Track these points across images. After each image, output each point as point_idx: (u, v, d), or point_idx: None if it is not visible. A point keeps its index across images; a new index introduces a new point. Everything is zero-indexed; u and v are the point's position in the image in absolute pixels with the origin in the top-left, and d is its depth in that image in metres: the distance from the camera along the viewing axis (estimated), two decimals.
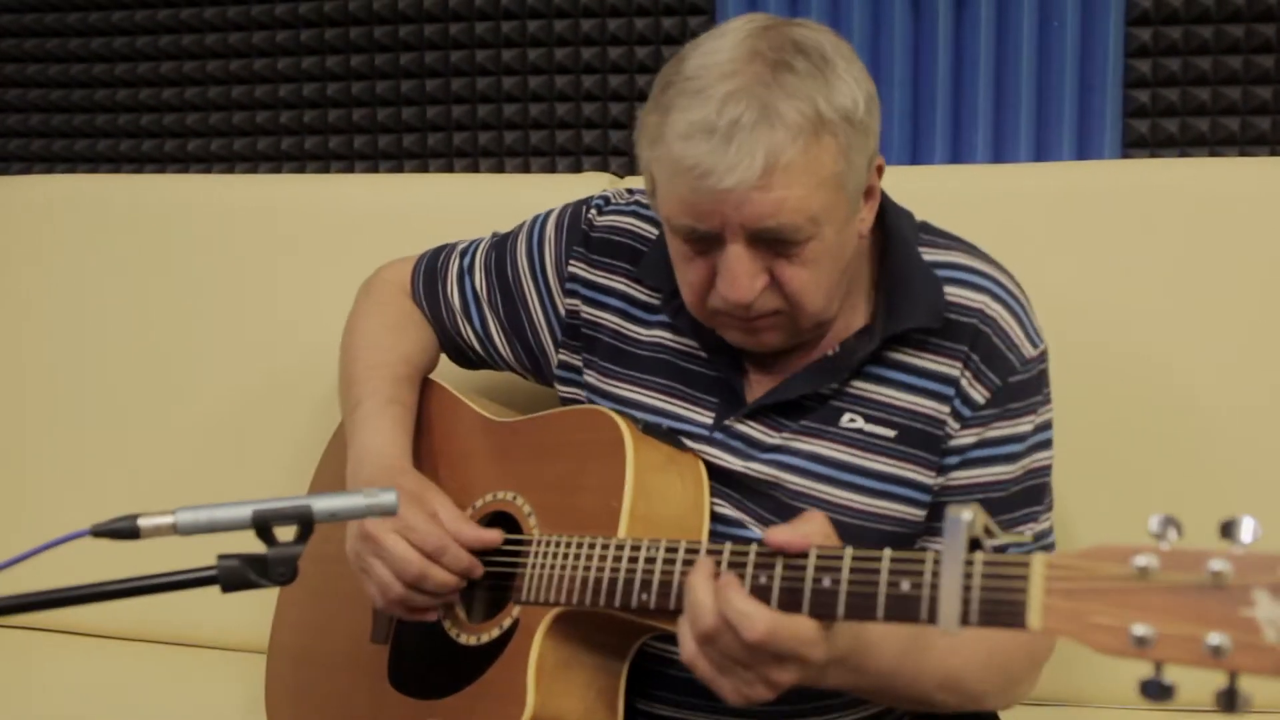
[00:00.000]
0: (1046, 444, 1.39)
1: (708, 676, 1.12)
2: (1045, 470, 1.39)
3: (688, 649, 1.12)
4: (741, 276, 1.24)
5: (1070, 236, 1.74)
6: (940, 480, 1.34)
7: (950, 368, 1.34)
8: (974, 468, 1.34)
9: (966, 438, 1.34)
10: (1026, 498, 1.36)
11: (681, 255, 1.30)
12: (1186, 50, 2.02)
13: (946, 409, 1.34)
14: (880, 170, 1.33)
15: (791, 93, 1.19)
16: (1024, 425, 1.35)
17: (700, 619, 1.09)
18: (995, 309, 1.35)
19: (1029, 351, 1.36)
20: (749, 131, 1.18)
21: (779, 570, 1.11)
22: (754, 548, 1.14)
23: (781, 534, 1.10)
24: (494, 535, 1.36)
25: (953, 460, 1.34)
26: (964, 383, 1.34)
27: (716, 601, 1.09)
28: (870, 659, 1.15)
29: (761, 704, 1.12)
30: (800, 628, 1.07)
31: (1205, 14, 2.00)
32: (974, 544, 1.01)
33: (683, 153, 1.20)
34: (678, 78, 1.25)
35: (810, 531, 1.11)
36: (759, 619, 1.06)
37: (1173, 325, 1.71)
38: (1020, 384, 1.35)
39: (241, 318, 2.00)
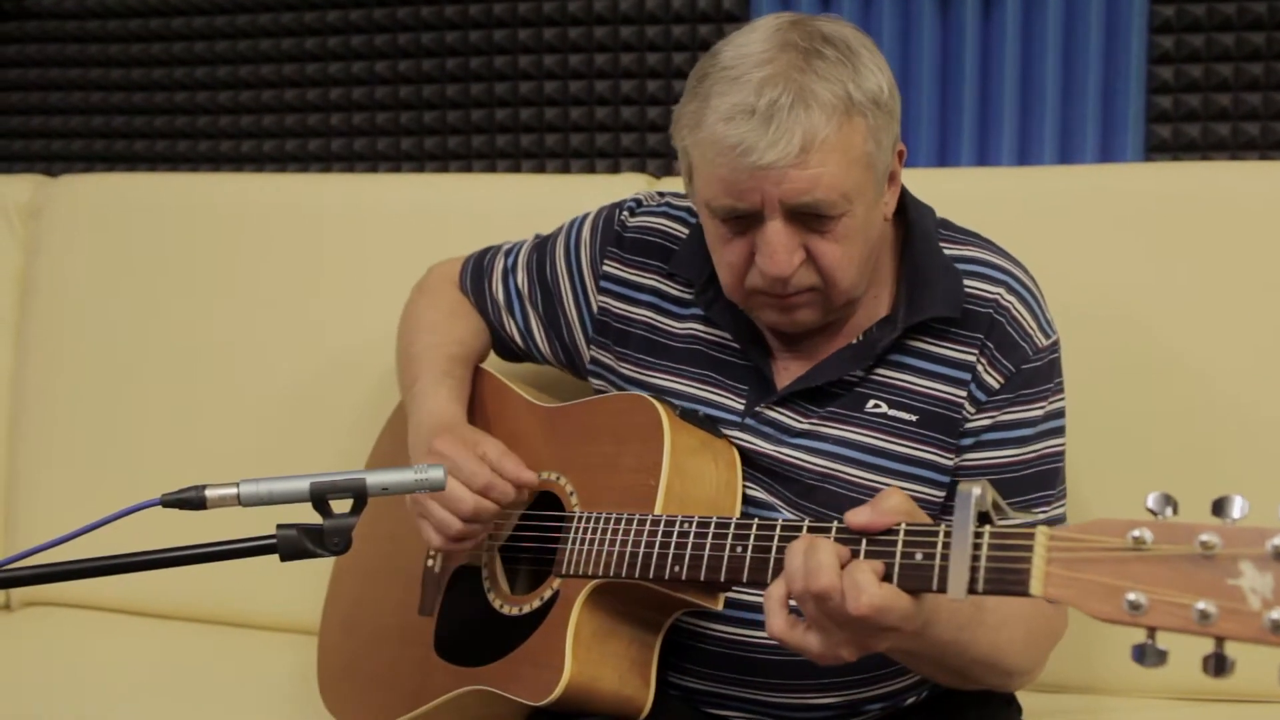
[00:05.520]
0: (1058, 431, 1.43)
1: (794, 638, 1.13)
2: (1056, 456, 1.43)
3: (776, 602, 1.13)
4: (780, 251, 1.30)
5: (1093, 238, 1.77)
6: (955, 461, 1.40)
7: (967, 354, 1.40)
8: (986, 450, 1.39)
9: (981, 420, 1.39)
10: (1037, 482, 1.41)
11: (719, 238, 1.37)
12: (1208, 57, 2.05)
13: (963, 394, 1.39)
14: (901, 156, 1.39)
15: (824, 77, 1.27)
16: (1035, 411, 1.41)
17: (818, 578, 1.09)
18: (1009, 300, 1.41)
19: (1041, 341, 1.42)
20: (787, 112, 1.25)
21: None
22: (780, 521, 1.20)
23: (861, 515, 1.12)
24: (530, 476, 1.43)
25: (967, 442, 1.40)
26: (980, 369, 1.39)
27: (839, 568, 1.10)
28: (933, 630, 1.17)
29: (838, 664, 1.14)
30: (903, 604, 1.09)
31: (1227, 22, 2.03)
32: (983, 518, 1.06)
33: (725, 133, 1.27)
34: (714, 69, 1.32)
35: (890, 508, 1.12)
36: (868, 591, 1.07)
37: (1193, 325, 1.73)
38: (1033, 371, 1.41)
39: (297, 309, 2.05)
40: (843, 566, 1.10)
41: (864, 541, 1.12)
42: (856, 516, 1.13)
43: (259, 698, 1.84)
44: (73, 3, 2.55)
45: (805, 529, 1.17)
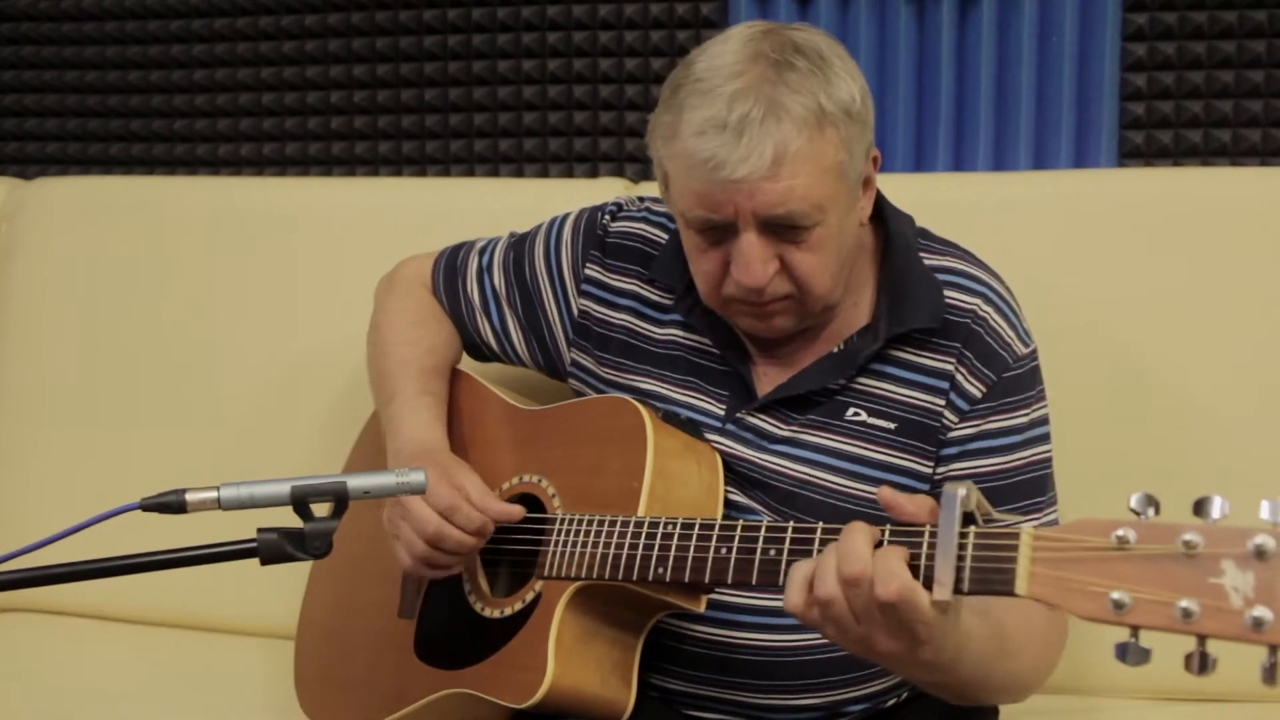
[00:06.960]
0: (1044, 438, 1.45)
1: (814, 621, 1.10)
2: (1044, 463, 1.44)
3: (796, 588, 1.10)
4: (755, 262, 1.31)
5: (1067, 242, 1.79)
6: (941, 470, 1.41)
7: (945, 363, 1.41)
8: (973, 459, 1.40)
9: (966, 429, 1.40)
10: (1027, 489, 1.42)
11: (696, 248, 1.38)
12: (1180, 65, 2.07)
13: (942, 402, 1.40)
14: (876, 161, 1.40)
15: (795, 89, 1.28)
16: (1020, 418, 1.42)
17: (851, 564, 1.06)
18: (987, 310, 1.42)
19: (1020, 350, 1.43)
20: (758, 126, 1.26)
21: (787, 545, 1.17)
22: (764, 523, 1.21)
23: (898, 496, 1.11)
24: (516, 510, 1.43)
25: (953, 451, 1.41)
26: (959, 378, 1.40)
27: (873, 556, 1.07)
28: (961, 668, 1.15)
29: None
30: (924, 602, 1.06)
31: (1199, 30, 2.05)
32: (968, 519, 1.07)
33: (697, 148, 1.28)
34: (687, 80, 1.32)
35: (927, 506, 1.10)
36: (900, 578, 1.04)
37: (1167, 328, 1.76)
38: (1014, 379, 1.42)
39: (274, 313, 2.05)
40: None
41: None
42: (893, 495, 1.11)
43: (236, 703, 1.83)
44: (48, 5, 2.54)
45: (791, 528, 1.18)
